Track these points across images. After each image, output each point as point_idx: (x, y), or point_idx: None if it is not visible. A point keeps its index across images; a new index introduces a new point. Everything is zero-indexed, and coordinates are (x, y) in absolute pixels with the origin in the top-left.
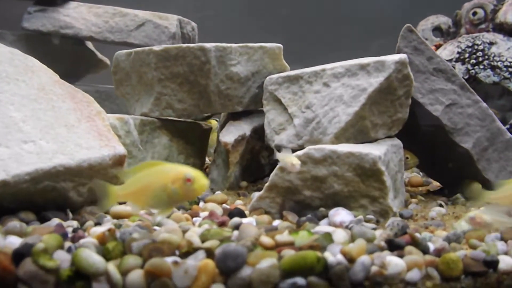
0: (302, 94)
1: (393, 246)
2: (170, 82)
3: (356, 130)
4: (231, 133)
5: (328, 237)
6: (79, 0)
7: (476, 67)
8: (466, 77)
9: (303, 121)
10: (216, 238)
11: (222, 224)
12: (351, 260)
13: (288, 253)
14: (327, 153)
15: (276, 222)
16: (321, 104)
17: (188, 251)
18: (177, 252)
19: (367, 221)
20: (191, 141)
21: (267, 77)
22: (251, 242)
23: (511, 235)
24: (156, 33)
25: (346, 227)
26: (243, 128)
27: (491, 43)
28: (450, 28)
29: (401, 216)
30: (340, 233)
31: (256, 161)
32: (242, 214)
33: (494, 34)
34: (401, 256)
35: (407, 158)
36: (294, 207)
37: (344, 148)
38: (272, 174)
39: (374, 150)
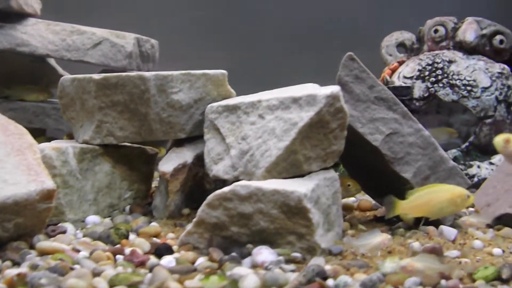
0: (240, 125)
1: None
2: (110, 110)
3: (288, 164)
4: (171, 161)
5: (234, 285)
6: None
7: (436, 85)
8: (426, 94)
9: (238, 152)
10: (124, 283)
11: (140, 264)
12: None
13: None
14: (252, 191)
15: (200, 260)
16: (255, 136)
17: None
18: None
19: (292, 259)
20: (136, 167)
21: (208, 105)
22: None
23: (430, 280)
24: (112, 52)
25: (266, 268)
26: (185, 155)
27: (451, 61)
28: (414, 44)
29: (330, 252)
30: (251, 278)
31: (200, 187)
32: (169, 250)
33: (454, 52)
34: None
35: (349, 185)
36: (222, 243)
37: (270, 185)
38: (199, 210)
39: (301, 187)
